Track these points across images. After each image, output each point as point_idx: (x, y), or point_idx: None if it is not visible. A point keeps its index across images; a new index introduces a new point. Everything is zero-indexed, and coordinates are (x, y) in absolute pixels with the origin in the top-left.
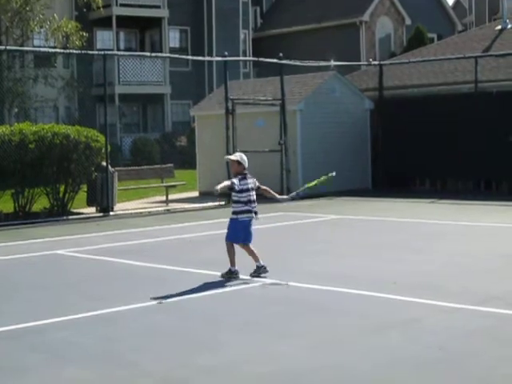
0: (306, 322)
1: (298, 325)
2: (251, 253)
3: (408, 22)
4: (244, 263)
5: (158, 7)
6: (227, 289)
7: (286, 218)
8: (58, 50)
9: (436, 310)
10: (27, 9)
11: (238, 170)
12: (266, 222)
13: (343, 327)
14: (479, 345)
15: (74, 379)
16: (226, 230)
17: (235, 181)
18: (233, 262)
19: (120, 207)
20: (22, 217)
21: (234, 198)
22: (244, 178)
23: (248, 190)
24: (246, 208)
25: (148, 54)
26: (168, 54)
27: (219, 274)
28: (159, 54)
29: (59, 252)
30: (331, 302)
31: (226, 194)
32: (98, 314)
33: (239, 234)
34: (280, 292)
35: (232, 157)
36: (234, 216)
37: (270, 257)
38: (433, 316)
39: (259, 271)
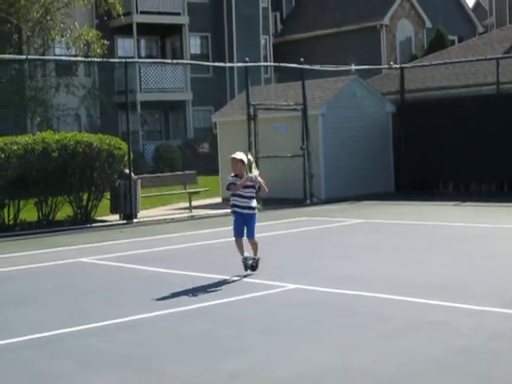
0: (329, 325)
1: (321, 328)
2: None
3: (428, 24)
4: (266, 267)
5: (178, 14)
6: (251, 294)
7: (309, 223)
8: (79, 59)
9: (461, 312)
10: (48, 18)
11: (241, 169)
12: (291, 227)
13: (366, 330)
14: (505, 347)
15: None
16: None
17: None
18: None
19: (143, 214)
20: (46, 225)
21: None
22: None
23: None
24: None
25: (169, 60)
26: (189, 61)
27: (244, 279)
28: (180, 61)
29: (83, 260)
30: (355, 305)
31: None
32: (123, 321)
33: None
34: (303, 296)
35: (236, 156)
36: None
37: (294, 261)
38: (457, 318)
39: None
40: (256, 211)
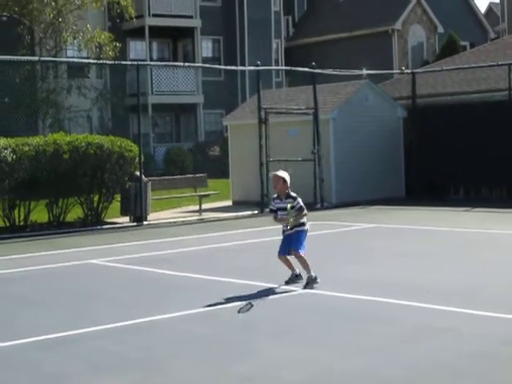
0: (339, 328)
1: (333, 332)
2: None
3: (440, 29)
4: (279, 271)
5: (190, 17)
6: (262, 297)
7: (320, 228)
8: (91, 61)
9: (472, 318)
10: (60, 20)
11: (283, 188)
12: None
13: (378, 335)
14: None
15: None
16: (260, 239)
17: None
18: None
19: (153, 217)
20: (56, 226)
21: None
22: (288, 196)
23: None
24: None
25: (181, 63)
26: (201, 64)
27: (254, 282)
28: (192, 64)
29: (93, 261)
30: (366, 309)
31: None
32: (134, 323)
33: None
34: (314, 300)
35: (279, 173)
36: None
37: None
38: (468, 324)
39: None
40: (301, 228)
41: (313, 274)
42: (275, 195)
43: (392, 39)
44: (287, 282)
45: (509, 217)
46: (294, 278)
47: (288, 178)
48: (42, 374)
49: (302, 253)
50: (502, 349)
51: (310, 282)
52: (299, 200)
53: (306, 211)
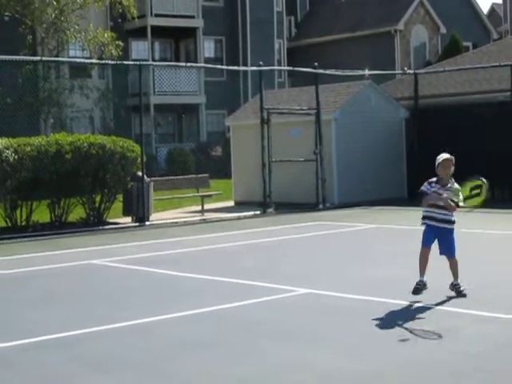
0: (340, 329)
1: (332, 333)
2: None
3: (443, 30)
4: (280, 271)
5: (192, 17)
6: (263, 298)
7: (322, 228)
8: (93, 61)
9: (473, 319)
10: (62, 20)
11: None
12: (303, 232)
13: (378, 335)
14: None
15: None
16: (262, 240)
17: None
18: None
19: (156, 217)
20: (58, 227)
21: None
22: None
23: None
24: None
25: (183, 64)
26: (203, 64)
27: (256, 283)
28: (194, 64)
29: (95, 262)
30: (367, 310)
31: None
32: (134, 324)
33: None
34: (315, 301)
35: (447, 155)
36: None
37: (306, 265)
38: (470, 325)
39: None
40: (453, 226)
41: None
42: (434, 179)
43: (394, 40)
44: (414, 292)
45: (510, 217)
46: (422, 287)
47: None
48: (44, 374)
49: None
50: (502, 350)
51: (461, 291)
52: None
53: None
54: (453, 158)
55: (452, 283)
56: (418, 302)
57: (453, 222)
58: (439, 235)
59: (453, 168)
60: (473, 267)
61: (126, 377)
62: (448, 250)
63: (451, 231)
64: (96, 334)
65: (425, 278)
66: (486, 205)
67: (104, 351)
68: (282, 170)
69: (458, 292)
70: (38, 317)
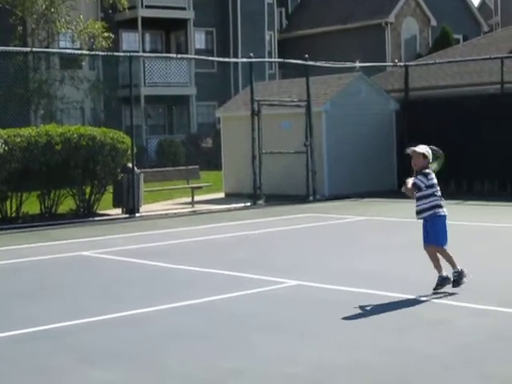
0: (330, 321)
1: (323, 325)
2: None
3: (433, 22)
4: (270, 263)
5: (183, 9)
6: (253, 290)
7: (312, 220)
8: (83, 52)
9: (462, 311)
10: (52, 10)
11: (423, 165)
12: (293, 224)
13: (368, 327)
14: (505, 347)
15: (101, 381)
16: (252, 232)
17: (418, 180)
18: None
19: (146, 208)
20: (48, 218)
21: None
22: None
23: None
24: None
25: (173, 55)
26: (193, 56)
27: (246, 275)
28: (185, 56)
29: (85, 253)
30: (356, 302)
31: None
32: (124, 316)
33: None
34: (305, 292)
35: (417, 149)
36: (431, 212)
37: (296, 257)
38: (459, 317)
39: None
40: (427, 213)
41: (459, 268)
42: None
43: (385, 32)
44: (435, 289)
45: (500, 210)
46: (441, 282)
47: (429, 152)
48: (35, 366)
49: (442, 247)
50: (493, 342)
51: (459, 279)
52: (431, 177)
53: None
54: (419, 151)
55: (440, 276)
56: (408, 294)
57: (418, 212)
58: (426, 229)
59: (423, 160)
60: (461, 258)
61: (118, 368)
62: (433, 239)
63: (435, 218)
64: (87, 326)
65: (444, 273)
66: (478, 197)
67: (95, 343)
68: (272, 161)
69: (444, 283)
70: (29, 308)
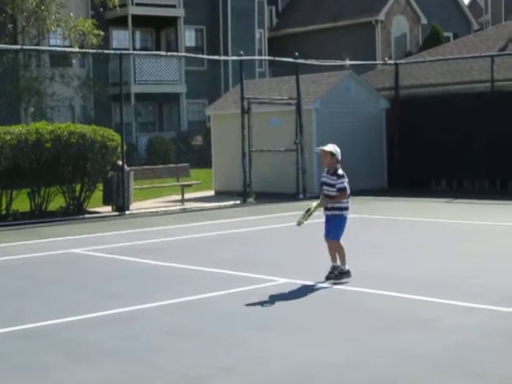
0: (320, 319)
1: (312, 323)
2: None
3: (424, 21)
4: (260, 261)
5: (173, 7)
6: (242, 288)
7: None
8: (73, 50)
9: (453, 309)
10: (43, 8)
11: (332, 163)
12: (282, 222)
13: (358, 325)
14: (497, 345)
15: (91, 378)
16: (242, 229)
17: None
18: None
19: (136, 206)
20: (38, 216)
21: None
22: (334, 172)
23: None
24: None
25: (164, 53)
26: (184, 53)
27: (236, 273)
28: (175, 54)
29: (75, 251)
30: (346, 300)
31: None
32: (115, 313)
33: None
34: (294, 290)
35: (325, 148)
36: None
37: (285, 255)
38: (451, 315)
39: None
40: (338, 212)
41: (346, 267)
42: (326, 169)
43: (375, 30)
44: (327, 278)
45: (490, 208)
46: (338, 275)
47: (337, 151)
48: (22, 364)
49: (339, 242)
50: (485, 340)
51: (341, 276)
52: (343, 180)
53: (345, 194)
54: (326, 149)
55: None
56: (397, 292)
57: (341, 209)
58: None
59: (331, 158)
60: (453, 257)
61: (107, 365)
62: (331, 233)
63: (339, 217)
64: (77, 323)
65: (347, 268)
66: (468, 195)
67: (85, 340)
68: (262, 159)
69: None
70: (20, 305)
